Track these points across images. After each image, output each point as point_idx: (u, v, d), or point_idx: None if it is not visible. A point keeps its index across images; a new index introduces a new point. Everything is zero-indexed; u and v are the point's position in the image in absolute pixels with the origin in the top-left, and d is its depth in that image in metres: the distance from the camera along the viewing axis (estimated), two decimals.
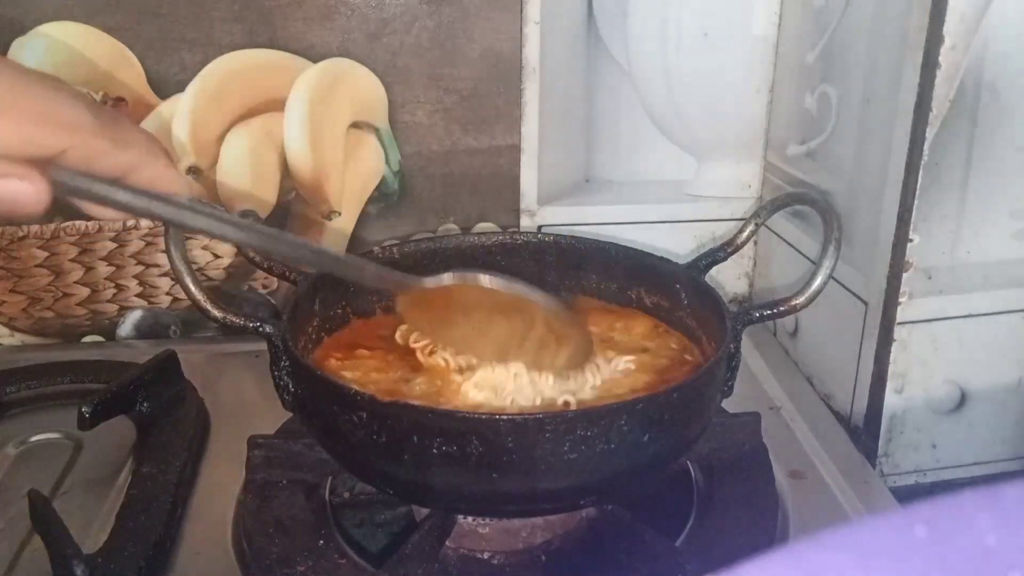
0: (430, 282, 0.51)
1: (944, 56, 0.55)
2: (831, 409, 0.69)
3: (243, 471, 0.55)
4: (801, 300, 0.54)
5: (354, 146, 0.76)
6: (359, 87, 0.75)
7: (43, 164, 0.35)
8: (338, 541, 0.51)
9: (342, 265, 0.51)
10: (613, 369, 0.56)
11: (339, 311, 0.61)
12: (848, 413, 0.67)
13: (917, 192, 0.58)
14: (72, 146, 0.35)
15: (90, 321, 0.78)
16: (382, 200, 0.78)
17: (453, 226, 0.80)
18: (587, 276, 0.67)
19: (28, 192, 0.34)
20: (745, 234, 0.62)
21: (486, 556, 0.53)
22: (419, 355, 0.57)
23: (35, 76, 0.35)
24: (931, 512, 0.18)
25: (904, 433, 0.64)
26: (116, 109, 0.72)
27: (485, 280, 0.52)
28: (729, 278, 0.85)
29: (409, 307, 0.53)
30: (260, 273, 0.78)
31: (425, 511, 0.52)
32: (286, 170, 0.76)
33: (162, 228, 0.76)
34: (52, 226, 0.74)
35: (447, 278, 0.52)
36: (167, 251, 0.51)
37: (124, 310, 0.78)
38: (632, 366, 0.56)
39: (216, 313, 0.50)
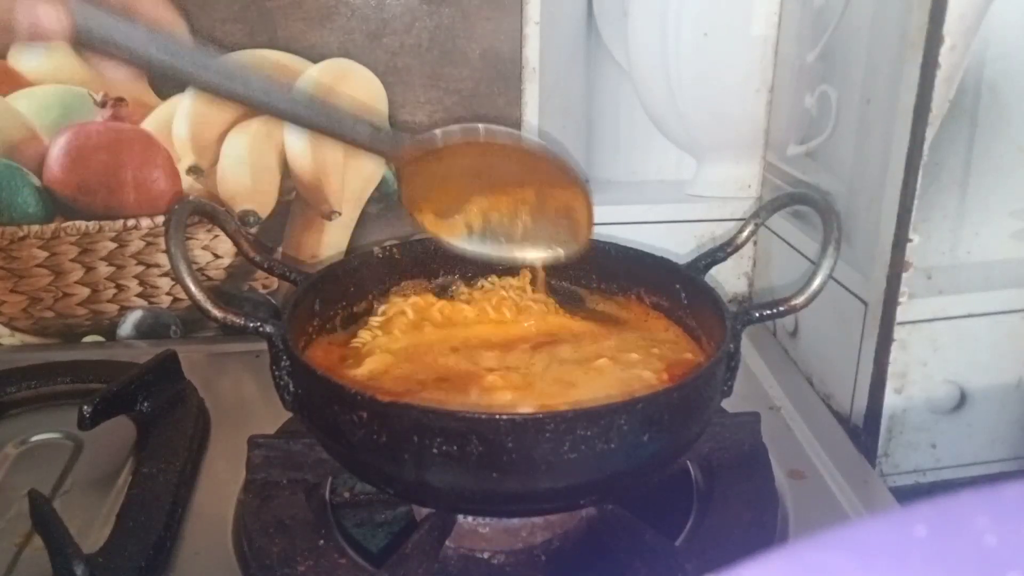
0: (422, 139, 0.51)
1: (944, 56, 0.55)
2: (831, 409, 0.69)
3: (243, 471, 0.55)
4: (801, 300, 0.54)
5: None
6: (359, 87, 0.75)
7: None
8: (338, 541, 0.51)
9: (334, 118, 0.49)
10: None
11: (339, 311, 0.61)
12: (848, 413, 0.67)
13: (917, 192, 0.58)
14: None
15: (90, 321, 0.78)
16: (382, 200, 0.78)
17: None
18: (587, 276, 0.67)
19: (53, 20, 0.37)
20: (745, 234, 0.62)
21: (486, 556, 0.53)
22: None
23: None
24: (931, 512, 0.18)
25: (904, 433, 0.64)
26: (116, 109, 0.72)
27: (481, 130, 0.51)
28: (729, 278, 0.85)
29: (411, 184, 0.53)
30: (260, 273, 0.78)
31: (425, 511, 0.52)
32: (286, 170, 0.76)
33: (162, 228, 0.76)
34: (52, 226, 0.74)
35: (439, 133, 0.52)
36: (167, 251, 0.51)
37: (124, 310, 0.78)
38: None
39: (216, 313, 0.50)
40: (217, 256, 0.78)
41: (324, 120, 0.47)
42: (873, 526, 0.18)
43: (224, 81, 0.43)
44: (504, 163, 0.52)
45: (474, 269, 0.66)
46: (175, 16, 0.42)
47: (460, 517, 0.52)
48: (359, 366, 0.55)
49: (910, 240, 0.59)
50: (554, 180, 0.53)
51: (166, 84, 0.72)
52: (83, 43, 0.39)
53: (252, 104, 0.44)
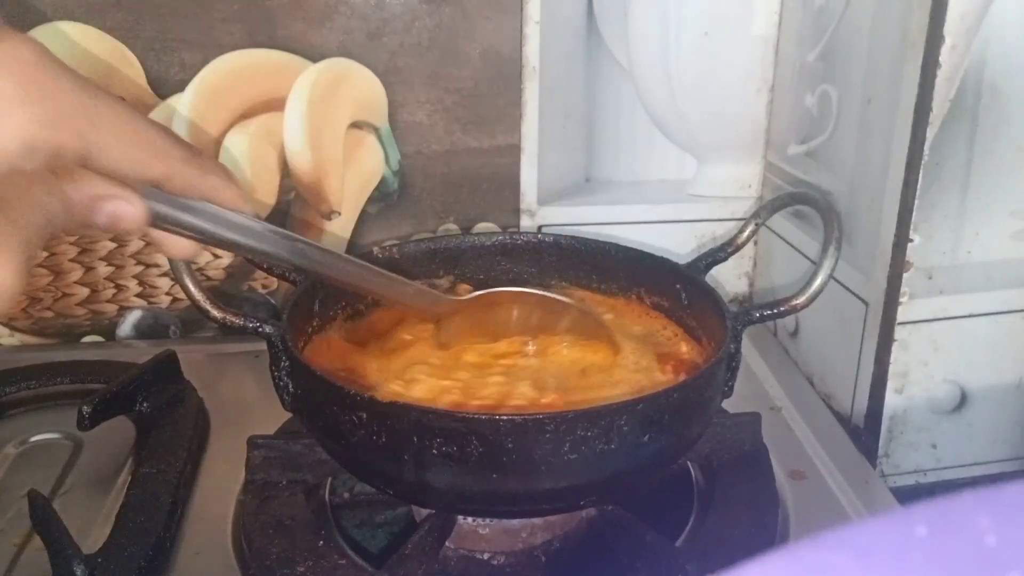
0: (465, 298, 0.58)
1: (945, 56, 0.55)
2: (831, 409, 0.69)
3: (243, 471, 0.55)
4: (802, 300, 0.54)
5: (354, 146, 0.76)
6: (359, 87, 0.74)
7: (140, 186, 0.37)
8: (338, 541, 0.51)
9: (388, 285, 0.52)
10: None
11: (339, 311, 0.61)
12: (848, 413, 0.67)
13: (918, 192, 0.58)
14: (170, 174, 0.38)
15: (90, 321, 0.78)
16: (382, 200, 0.78)
17: (453, 226, 0.80)
18: (587, 276, 0.67)
19: (131, 212, 0.37)
20: (745, 234, 0.62)
21: (486, 556, 0.53)
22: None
23: (127, 105, 0.37)
24: (931, 512, 0.18)
25: (904, 433, 0.64)
26: None
27: (513, 289, 0.60)
28: (729, 278, 0.85)
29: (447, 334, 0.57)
30: (260, 273, 0.78)
31: (425, 511, 0.52)
32: (286, 170, 0.76)
33: None
34: None
35: (479, 293, 0.59)
36: None
37: (124, 310, 0.78)
38: None
39: (216, 313, 0.50)
40: (217, 256, 0.78)
41: (378, 284, 0.51)
42: (874, 526, 0.18)
43: (287, 254, 0.44)
44: (533, 312, 0.59)
45: (473, 270, 0.66)
46: (246, 199, 0.42)
47: (460, 518, 0.52)
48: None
49: (911, 240, 0.59)
50: (579, 328, 0.60)
51: (165, 85, 0.72)
52: (155, 227, 0.39)
53: (315, 272, 0.47)
